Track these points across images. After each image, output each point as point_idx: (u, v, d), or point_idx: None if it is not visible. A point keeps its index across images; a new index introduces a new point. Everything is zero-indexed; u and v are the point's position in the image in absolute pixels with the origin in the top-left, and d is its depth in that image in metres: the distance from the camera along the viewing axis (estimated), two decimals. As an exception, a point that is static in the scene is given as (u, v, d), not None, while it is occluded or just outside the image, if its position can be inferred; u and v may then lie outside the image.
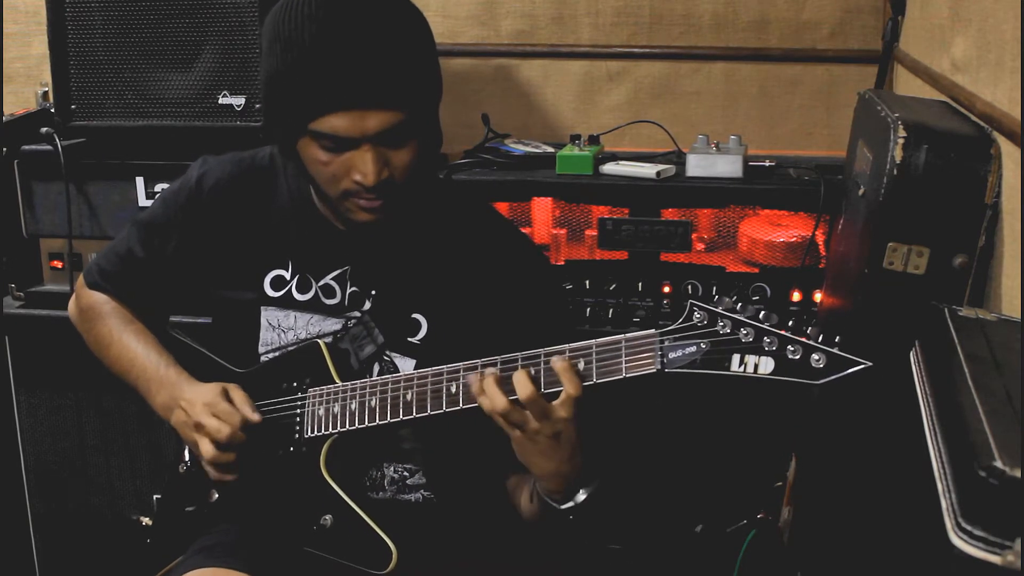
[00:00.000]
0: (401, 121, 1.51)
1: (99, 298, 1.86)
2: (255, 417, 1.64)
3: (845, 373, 1.28)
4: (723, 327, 1.34)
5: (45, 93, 2.62)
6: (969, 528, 0.93)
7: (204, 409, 1.64)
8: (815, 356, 1.29)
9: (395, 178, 1.55)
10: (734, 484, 2.32)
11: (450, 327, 1.71)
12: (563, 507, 1.54)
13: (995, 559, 0.90)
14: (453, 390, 1.53)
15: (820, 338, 1.30)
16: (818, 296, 2.25)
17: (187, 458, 1.83)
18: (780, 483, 2.14)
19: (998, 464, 0.91)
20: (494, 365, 1.49)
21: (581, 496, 1.53)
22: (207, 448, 1.64)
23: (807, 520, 1.92)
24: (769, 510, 2.19)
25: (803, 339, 1.30)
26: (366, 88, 1.49)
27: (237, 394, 1.66)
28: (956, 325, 1.30)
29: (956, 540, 0.93)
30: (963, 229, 1.55)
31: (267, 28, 1.56)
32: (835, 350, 1.29)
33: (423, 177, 1.63)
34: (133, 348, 1.79)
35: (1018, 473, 0.90)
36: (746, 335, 1.33)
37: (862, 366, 1.28)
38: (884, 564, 1.40)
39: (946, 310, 1.35)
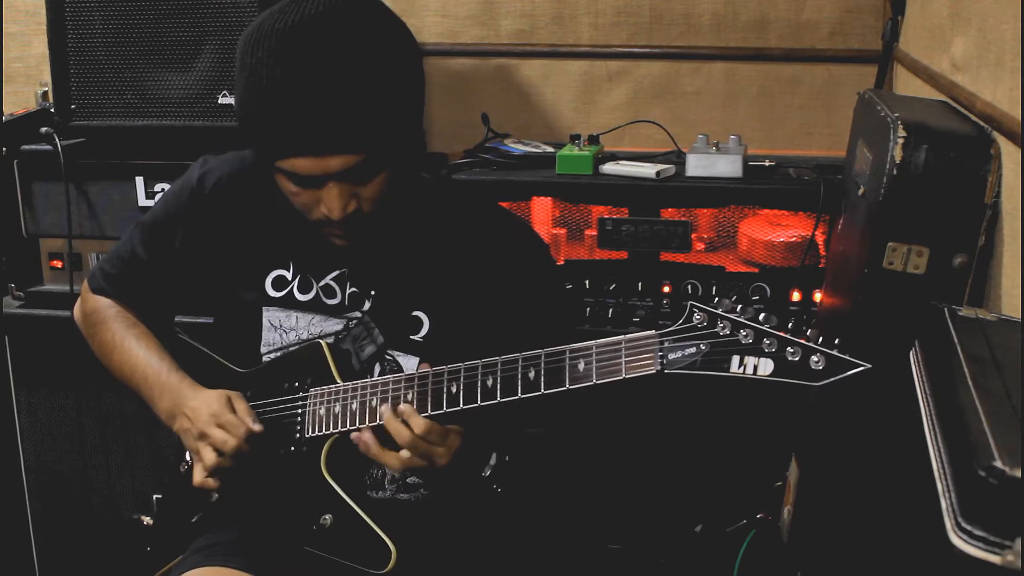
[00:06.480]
0: (363, 160, 1.49)
1: (103, 303, 1.85)
2: (258, 428, 1.64)
3: (844, 375, 1.28)
4: (723, 328, 1.34)
5: (45, 93, 2.61)
6: (969, 528, 0.93)
7: (210, 420, 1.64)
8: (814, 358, 1.29)
9: (364, 209, 1.55)
10: (734, 484, 2.32)
11: (452, 323, 1.71)
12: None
13: (995, 559, 0.90)
14: (454, 390, 1.53)
15: (820, 340, 1.30)
16: (818, 296, 2.25)
17: (188, 458, 1.83)
18: (780, 483, 2.14)
19: (998, 464, 0.91)
20: (495, 367, 1.49)
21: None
22: (210, 457, 1.64)
23: (807, 520, 1.92)
24: (769, 510, 2.19)
25: (802, 341, 1.30)
26: (324, 135, 1.46)
27: (240, 404, 1.66)
28: (956, 325, 1.30)
29: (956, 540, 0.93)
30: (963, 229, 1.55)
31: (239, 48, 1.53)
32: (834, 352, 1.29)
33: (400, 195, 1.61)
34: (135, 353, 1.78)
35: (1018, 473, 0.90)
36: (745, 336, 1.33)
37: (861, 368, 1.28)
38: (884, 564, 1.40)
39: (946, 310, 1.35)
